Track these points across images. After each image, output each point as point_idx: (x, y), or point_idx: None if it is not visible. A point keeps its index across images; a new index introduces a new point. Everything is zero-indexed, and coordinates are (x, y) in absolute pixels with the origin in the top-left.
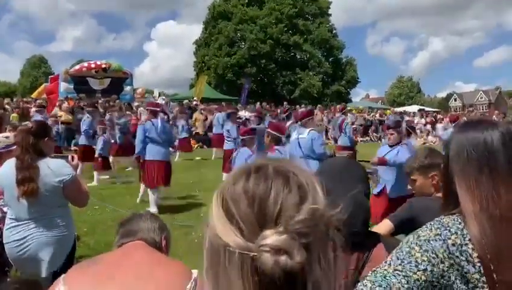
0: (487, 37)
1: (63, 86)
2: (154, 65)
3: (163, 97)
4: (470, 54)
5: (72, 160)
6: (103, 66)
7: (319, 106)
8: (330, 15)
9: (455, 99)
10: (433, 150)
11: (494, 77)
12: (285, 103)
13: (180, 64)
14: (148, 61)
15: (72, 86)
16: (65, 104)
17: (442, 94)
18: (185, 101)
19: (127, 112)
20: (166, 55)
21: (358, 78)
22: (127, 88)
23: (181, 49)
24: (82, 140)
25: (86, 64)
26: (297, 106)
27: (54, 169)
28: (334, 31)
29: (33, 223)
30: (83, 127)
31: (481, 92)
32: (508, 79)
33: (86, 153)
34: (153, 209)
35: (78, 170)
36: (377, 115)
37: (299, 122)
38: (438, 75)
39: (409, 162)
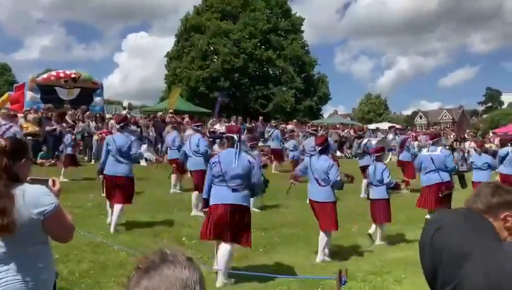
0: (451, 58)
1: (28, 95)
2: (123, 76)
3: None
4: (435, 73)
5: (54, 185)
6: (72, 75)
7: (294, 121)
8: (303, 32)
9: (420, 117)
10: (499, 185)
11: (458, 96)
12: (260, 117)
13: (150, 76)
14: (117, 72)
15: (39, 96)
16: (31, 115)
17: (408, 112)
18: (159, 114)
19: (99, 124)
20: (137, 67)
21: (329, 94)
22: (97, 99)
23: (152, 60)
24: None
25: (54, 73)
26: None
27: (32, 198)
28: (306, 48)
29: (4, 265)
30: None
31: (445, 110)
32: (470, 98)
33: None
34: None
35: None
36: (351, 132)
37: (431, 142)
38: (403, 93)
39: (470, 203)
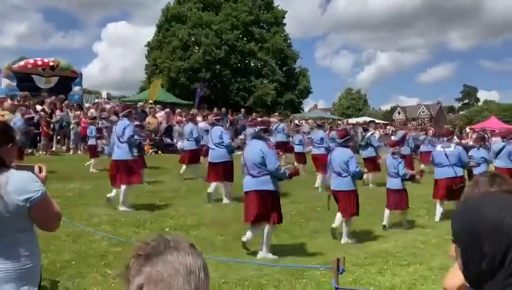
0: (430, 54)
1: (4, 82)
2: (102, 66)
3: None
4: (414, 69)
5: (40, 171)
6: (51, 63)
7: (276, 114)
8: (285, 25)
9: (399, 113)
10: (496, 174)
11: (436, 92)
12: (242, 110)
13: (130, 66)
14: (97, 61)
15: (15, 83)
16: (8, 102)
17: (387, 107)
18: (139, 104)
19: (76, 113)
20: (116, 56)
21: (310, 88)
22: (76, 88)
23: (132, 50)
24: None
25: (31, 60)
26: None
27: (18, 184)
28: (288, 41)
29: None
30: None
31: (423, 106)
32: (448, 95)
33: None
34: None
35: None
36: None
37: (446, 138)
38: (383, 88)
39: (468, 192)
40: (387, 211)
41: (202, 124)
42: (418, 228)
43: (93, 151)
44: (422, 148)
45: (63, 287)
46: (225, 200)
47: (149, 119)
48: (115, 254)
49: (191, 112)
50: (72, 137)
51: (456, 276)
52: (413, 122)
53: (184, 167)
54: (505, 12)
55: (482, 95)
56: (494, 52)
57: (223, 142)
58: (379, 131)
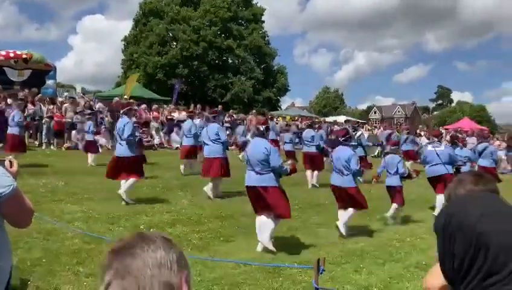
0: (406, 55)
1: None
2: (77, 59)
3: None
4: (390, 70)
5: (11, 165)
6: (24, 56)
7: (253, 111)
8: (263, 22)
9: (375, 112)
10: (481, 174)
11: (411, 92)
12: (220, 106)
13: (105, 61)
14: (72, 55)
15: None
16: None
17: (363, 106)
18: (115, 99)
19: (49, 107)
20: (92, 50)
21: (288, 86)
22: (50, 82)
23: (108, 44)
24: None
25: (3, 52)
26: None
27: None
28: (266, 38)
29: None
30: None
31: (398, 106)
32: (423, 95)
33: None
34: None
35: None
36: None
37: (436, 139)
38: (360, 88)
39: (452, 189)
40: (393, 205)
41: (197, 121)
42: (394, 227)
43: (90, 147)
44: (404, 147)
45: (33, 286)
46: (209, 193)
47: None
48: (88, 251)
49: (168, 107)
50: (44, 132)
51: (438, 275)
52: (386, 121)
53: (183, 164)
54: (480, 16)
55: (456, 96)
56: (468, 54)
57: (219, 138)
58: (367, 131)
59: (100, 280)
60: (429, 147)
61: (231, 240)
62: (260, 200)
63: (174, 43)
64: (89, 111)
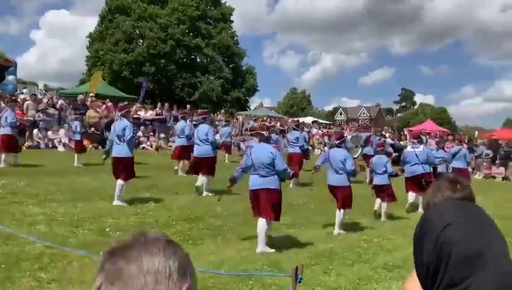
0: (371, 58)
1: None
2: (40, 55)
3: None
4: (356, 72)
5: None
6: None
7: (222, 111)
8: (232, 22)
9: (340, 113)
10: (458, 180)
11: (376, 94)
12: (188, 106)
13: (69, 57)
14: (34, 50)
15: None
16: None
17: (329, 108)
18: (80, 97)
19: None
20: (55, 46)
21: (257, 86)
22: (10, 78)
23: (72, 40)
24: None
25: None
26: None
27: None
28: (235, 38)
29: None
30: None
31: (363, 108)
32: (388, 97)
33: None
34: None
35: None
36: (278, 124)
37: (415, 140)
38: (326, 89)
39: (430, 196)
40: (384, 205)
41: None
42: (362, 228)
43: (79, 147)
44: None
45: None
46: (205, 193)
47: (90, 112)
48: (51, 256)
49: (135, 106)
50: None
51: (417, 280)
52: (354, 123)
53: (180, 163)
54: (442, 21)
55: (419, 99)
56: (430, 58)
57: (208, 138)
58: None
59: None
60: (409, 148)
61: (200, 243)
62: (261, 201)
63: (141, 41)
64: (52, 110)
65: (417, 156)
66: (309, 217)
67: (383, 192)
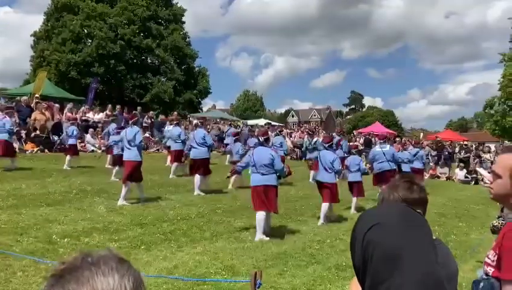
0: (323, 61)
1: None
2: None
3: None
4: (308, 75)
5: None
6: None
7: (174, 113)
8: (184, 22)
9: (292, 116)
10: (414, 181)
11: (326, 97)
12: (139, 107)
13: (13, 56)
14: None
15: None
16: None
17: (282, 110)
18: (24, 98)
19: None
20: None
21: (210, 88)
22: None
23: (15, 39)
24: None
25: None
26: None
27: None
28: (187, 39)
29: None
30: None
31: (314, 110)
32: (338, 100)
33: None
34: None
35: None
36: (231, 127)
37: (382, 141)
38: (279, 92)
39: (386, 194)
40: (354, 199)
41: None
42: (314, 229)
43: (74, 150)
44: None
45: None
46: (196, 191)
47: (35, 115)
48: None
49: (83, 107)
50: None
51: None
52: (306, 125)
53: (174, 165)
54: (390, 26)
55: (368, 101)
56: (379, 62)
57: (205, 142)
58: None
59: None
60: (377, 148)
61: (152, 248)
62: (262, 196)
63: (90, 41)
64: None
65: (384, 155)
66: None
67: (355, 188)
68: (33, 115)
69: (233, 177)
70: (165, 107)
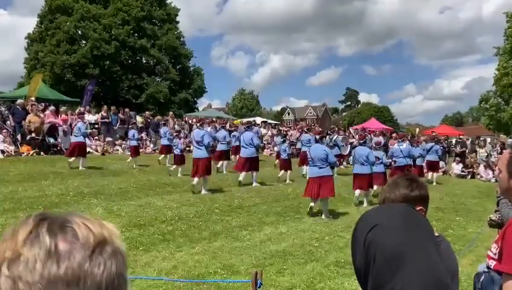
0: (319, 59)
1: None
2: None
3: None
4: (304, 72)
5: None
6: None
7: (170, 113)
8: (178, 22)
9: (288, 113)
10: (414, 179)
11: (322, 94)
12: (127, 109)
13: (7, 59)
14: None
15: None
16: None
17: (278, 108)
18: (19, 101)
19: None
20: None
21: (205, 87)
22: None
23: (10, 42)
24: None
25: None
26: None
27: None
28: (182, 39)
29: None
30: None
31: (310, 107)
32: (333, 97)
33: None
34: (204, 192)
35: None
36: (227, 126)
37: (400, 139)
38: (275, 90)
39: (386, 192)
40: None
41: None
42: (312, 226)
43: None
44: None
45: None
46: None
47: (30, 117)
48: None
49: (78, 109)
50: None
51: None
52: (302, 123)
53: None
54: (385, 23)
55: (363, 98)
56: (374, 58)
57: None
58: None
59: None
60: (395, 146)
61: (151, 249)
62: (319, 186)
63: (84, 42)
64: None
65: (401, 151)
66: (261, 218)
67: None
68: (28, 118)
69: (281, 172)
70: (160, 107)
